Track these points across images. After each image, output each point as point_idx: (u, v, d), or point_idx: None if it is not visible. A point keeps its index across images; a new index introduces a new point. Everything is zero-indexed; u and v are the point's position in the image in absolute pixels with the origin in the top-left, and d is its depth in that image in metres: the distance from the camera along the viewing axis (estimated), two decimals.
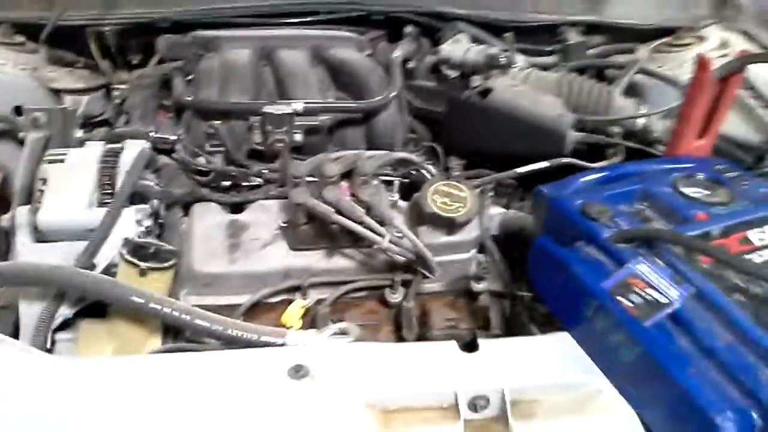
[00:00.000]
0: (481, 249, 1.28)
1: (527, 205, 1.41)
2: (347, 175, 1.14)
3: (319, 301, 1.18)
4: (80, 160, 1.18)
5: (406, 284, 1.22)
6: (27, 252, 1.06)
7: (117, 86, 1.58)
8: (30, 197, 1.15)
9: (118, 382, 0.85)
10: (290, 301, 1.19)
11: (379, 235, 1.09)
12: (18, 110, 1.43)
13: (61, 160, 1.17)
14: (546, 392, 0.86)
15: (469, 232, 1.21)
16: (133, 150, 1.21)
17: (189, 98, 1.35)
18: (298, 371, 0.87)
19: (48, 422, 0.79)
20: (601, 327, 0.88)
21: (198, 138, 1.33)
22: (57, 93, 1.52)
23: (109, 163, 1.17)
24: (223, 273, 1.15)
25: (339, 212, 1.10)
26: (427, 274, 1.16)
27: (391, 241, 1.11)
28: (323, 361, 0.88)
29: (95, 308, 1.08)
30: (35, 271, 0.96)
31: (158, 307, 0.94)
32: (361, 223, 1.09)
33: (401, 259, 1.18)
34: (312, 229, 1.16)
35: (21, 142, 1.40)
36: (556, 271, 0.95)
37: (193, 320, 0.95)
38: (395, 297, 1.21)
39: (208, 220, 1.20)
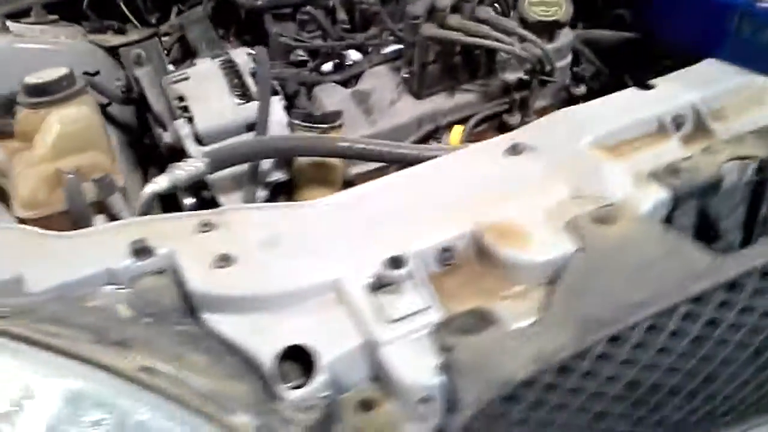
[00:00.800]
0: None
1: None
2: (455, 8, 1.22)
3: None
4: (202, 74, 1.23)
5: (522, 105, 1.32)
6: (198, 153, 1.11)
7: (165, 33, 1.61)
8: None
9: (371, 202, 0.93)
10: None
11: (509, 44, 1.18)
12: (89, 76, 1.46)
13: (185, 79, 1.22)
14: (725, 97, 0.98)
15: (566, 37, 1.32)
16: (240, 56, 1.27)
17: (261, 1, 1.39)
18: (515, 148, 0.97)
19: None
20: (751, 30, 1.00)
21: (289, 32, 1.38)
22: (114, 51, 1.54)
23: (231, 68, 1.23)
24: (370, 134, 1.23)
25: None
26: (549, 78, 1.26)
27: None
28: (531, 133, 0.98)
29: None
30: (249, 145, 1.02)
31: (362, 146, 1.03)
32: (489, 38, 1.18)
33: (515, 78, 1.29)
34: (436, 69, 1.24)
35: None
36: (685, 7, 1.07)
37: (396, 150, 1.03)
38: (514, 119, 1.32)
39: (333, 97, 1.27)
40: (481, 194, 0.90)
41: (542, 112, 1.37)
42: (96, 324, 0.77)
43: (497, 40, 1.19)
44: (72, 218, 1.05)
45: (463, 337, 0.73)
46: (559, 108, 1.40)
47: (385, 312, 0.77)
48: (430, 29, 1.17)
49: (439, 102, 1.28)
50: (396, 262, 0.77)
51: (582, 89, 1.38)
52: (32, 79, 1.18)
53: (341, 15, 1.37)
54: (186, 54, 1.56)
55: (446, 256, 0.84)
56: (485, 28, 1.18)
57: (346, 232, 0.87)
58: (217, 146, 1.07)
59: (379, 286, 0.78)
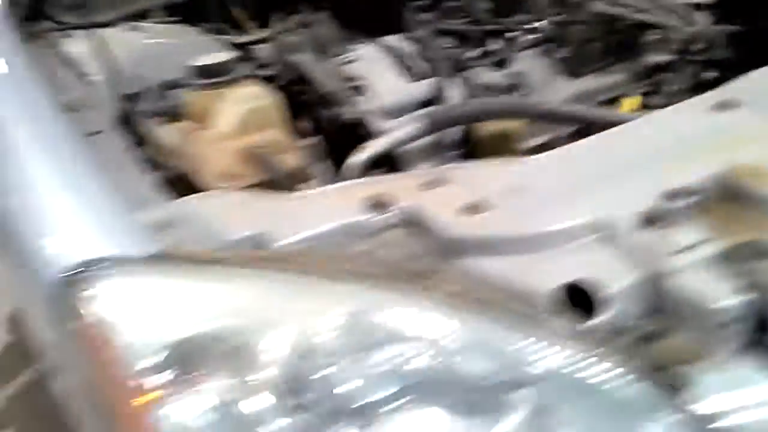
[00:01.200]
0: None
1: None
2: None
3: None
4: (366, 57, 1.26)
5: (663, 86, 1.36)
6: (391, 126, 1.12)
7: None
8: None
9: (597, 153, 0.94)
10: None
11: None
12: None
13: (351, 61, 1.24)
14: None
15: (704, 20, 1.36)
16: (395, 42, 1.30)
17: None
18: (724, 105, 0.99)
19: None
20: None
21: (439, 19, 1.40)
22: (242, 47, 1.55)
23: (391, 52, 1.25)
24: None
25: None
26: (696, 58, 1.31)
27: None
28: (736, 90, 1.01)
29: None
30: (464, 107, 1.05)
31: (572, 109, 1.06)
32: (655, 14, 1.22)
33: (660, 59, 1.33)
34: (593, 48, 1.28)
35: None
36: None
37: (602, 114, 1.06)
38: (656, 100, 1.36)
39: (490, 78, 1.30)
40: (707, 144, 0.92)
41: (678, 94, 1.42)
42: (376, 262, 0.77)
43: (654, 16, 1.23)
44: (271, 188, 1.04)
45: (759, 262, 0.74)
46: (691, 91, 1.46)
47: (667, 244, 0.77)
48: (599, 6, 1.21)
49: (590, 82, 1.32)
50: (675, 195, 0.78)
51: (713, 73, 1.42)
52: (204, 60, 1.19)
53: (483, 3, 1.41)
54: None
55: (700, 196, 0.85)
56: (649, 6, 1.23)
57: (588, 177, 0.88)
58: (433, 109, 1.09)
59: (653, 220, 0.79)
